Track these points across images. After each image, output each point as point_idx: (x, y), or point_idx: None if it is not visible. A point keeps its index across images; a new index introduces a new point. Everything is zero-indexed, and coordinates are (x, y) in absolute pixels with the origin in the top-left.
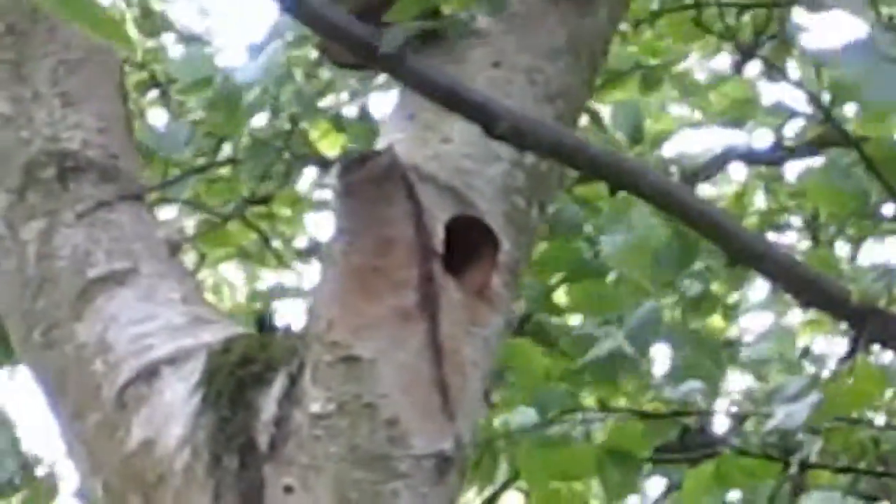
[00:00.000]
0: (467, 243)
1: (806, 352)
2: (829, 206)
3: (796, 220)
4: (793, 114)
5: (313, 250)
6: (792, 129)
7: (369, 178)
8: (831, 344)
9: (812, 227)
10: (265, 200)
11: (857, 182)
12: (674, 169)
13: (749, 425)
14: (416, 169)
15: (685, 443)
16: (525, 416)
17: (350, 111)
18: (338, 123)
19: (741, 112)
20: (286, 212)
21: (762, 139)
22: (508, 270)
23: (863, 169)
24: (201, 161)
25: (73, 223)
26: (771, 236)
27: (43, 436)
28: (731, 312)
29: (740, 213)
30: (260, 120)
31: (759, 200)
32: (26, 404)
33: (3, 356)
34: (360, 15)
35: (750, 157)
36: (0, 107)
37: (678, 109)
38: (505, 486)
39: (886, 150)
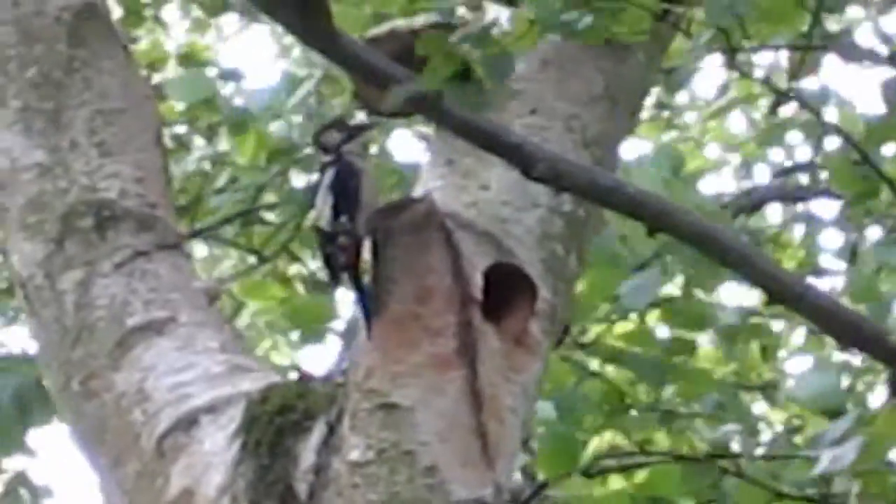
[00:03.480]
0: (506, 290)
1: (849, 390)
2: None
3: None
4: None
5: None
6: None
7: (407, 225)
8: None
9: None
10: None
11: None
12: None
13: (784, 468)
14: (454, 216)
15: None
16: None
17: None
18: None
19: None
20: None
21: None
22: (547, 317)
23: None
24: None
25: (111, 273)
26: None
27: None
28: (770, 353)
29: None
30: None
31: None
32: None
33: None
34: (398, 57)
35: (784, 197)
36: (38, 156)
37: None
38: None
39: None
